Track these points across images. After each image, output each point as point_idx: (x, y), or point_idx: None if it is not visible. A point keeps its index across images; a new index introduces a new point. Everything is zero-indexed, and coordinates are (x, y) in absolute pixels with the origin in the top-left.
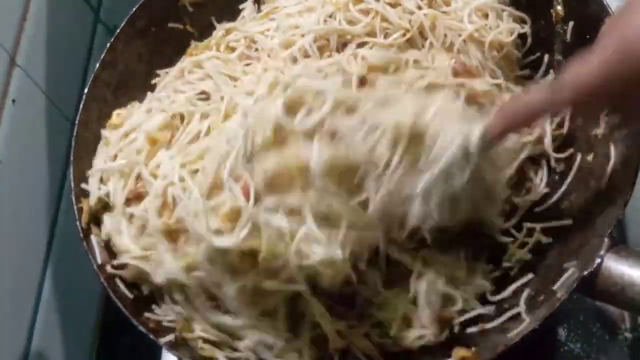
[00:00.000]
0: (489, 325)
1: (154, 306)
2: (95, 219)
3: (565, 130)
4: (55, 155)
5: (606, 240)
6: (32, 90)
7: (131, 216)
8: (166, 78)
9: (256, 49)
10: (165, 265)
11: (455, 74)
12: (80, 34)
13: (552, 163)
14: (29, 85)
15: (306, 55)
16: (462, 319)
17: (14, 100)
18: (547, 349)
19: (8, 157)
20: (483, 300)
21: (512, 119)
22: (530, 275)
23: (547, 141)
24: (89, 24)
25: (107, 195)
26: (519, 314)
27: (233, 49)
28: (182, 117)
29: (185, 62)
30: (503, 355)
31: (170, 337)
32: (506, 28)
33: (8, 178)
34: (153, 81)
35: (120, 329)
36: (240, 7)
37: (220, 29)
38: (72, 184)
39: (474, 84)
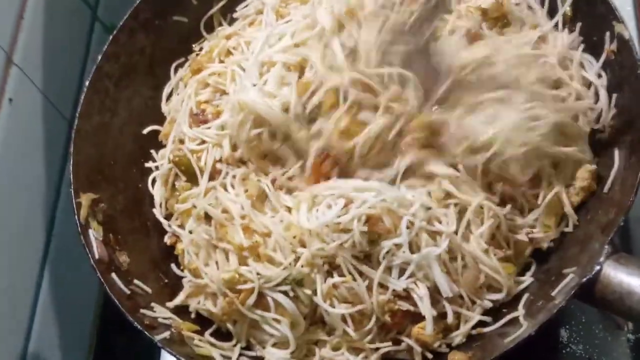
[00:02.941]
0: (487, 329)
1: (152, 304)
2: (94, 214)
3: None
4: (52, 153)
5: (606, 247)
6: (29, 89)
7: None
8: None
9: None
10: None
11: None
12: (77, 32)
13: None
14: (26, 83)
15: None
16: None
17: (10, 99)
18: (549, 350)
19: (5, 155)
20: None
21: None
22: (529, 280)
23: None
24: (86, 22)
25: None
26: (517, 319)
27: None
28: None
29: (189, 78)
30: (504, 356)
31: (165, 334)
32: None
33: (5, 177)
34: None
35: (118, 329)
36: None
37: (221, 36)
38: (71, 178)
39: None
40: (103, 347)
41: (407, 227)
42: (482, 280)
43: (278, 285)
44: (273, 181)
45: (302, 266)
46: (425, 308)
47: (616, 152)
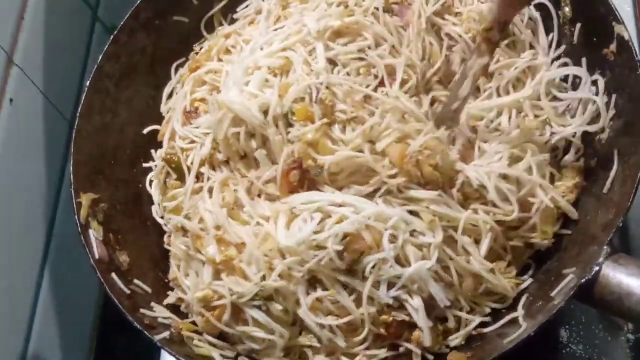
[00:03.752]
0: (487, 330)
1: (152, 304)
2: (94, 214)
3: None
4: (52, 153)
5: (605, 248)
6: (30, 89)
7: None
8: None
9: None
10: None
11: None
12: (77, 32)
13: None
14: (27, 84)
15: None
16: (463, 332)
17: (11, 100)
18: (549, 350)
19: (5, 155)
20: None
21: None
22: (529, 280)
23: None
24: (87, 22)
25: None
26: (516, 319)
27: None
28: None
29: (187, 77)
30: (503, 357)
31: (165, 334)
32: None
33: (5, 177)
34: None
35: (118, 329)
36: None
37: (220, 34)
38: (71, 178)
39: None
40: (103, 347)
41: (391, 242)
42: (482, 288)
43: (251, 300)
44: (250, 185)
45: (274, 280)
46: (421, 320)
47: (615, 153)
